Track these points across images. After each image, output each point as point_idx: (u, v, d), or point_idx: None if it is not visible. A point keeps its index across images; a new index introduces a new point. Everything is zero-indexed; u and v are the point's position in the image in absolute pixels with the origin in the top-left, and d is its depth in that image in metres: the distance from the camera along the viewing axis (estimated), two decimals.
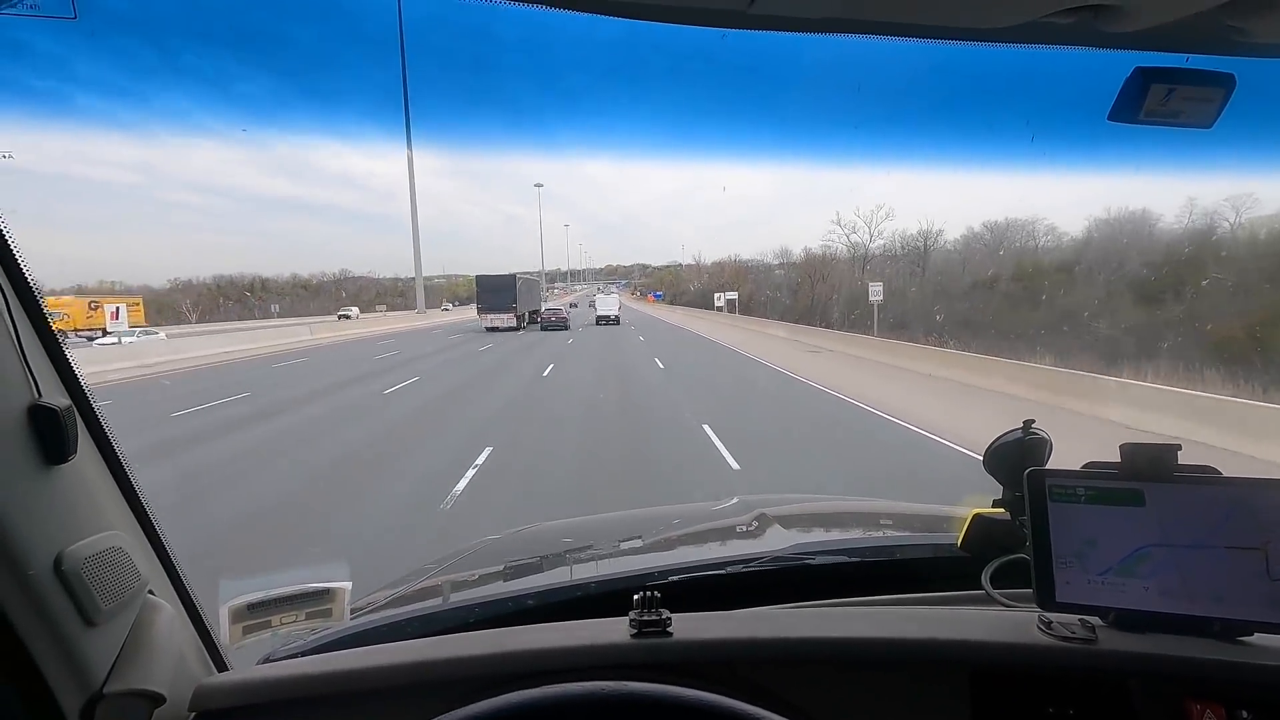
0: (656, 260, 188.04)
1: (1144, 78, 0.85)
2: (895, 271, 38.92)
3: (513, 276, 37.15)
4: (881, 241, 43.91)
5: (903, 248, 41.85)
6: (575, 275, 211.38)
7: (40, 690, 0.69)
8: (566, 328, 36.62)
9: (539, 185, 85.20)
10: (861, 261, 42.78)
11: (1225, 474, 0.90)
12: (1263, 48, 0.86)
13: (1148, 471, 0.91)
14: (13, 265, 0.74)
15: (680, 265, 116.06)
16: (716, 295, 47.34)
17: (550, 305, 45.70)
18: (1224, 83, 0.86)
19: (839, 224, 53.71)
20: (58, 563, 0.70)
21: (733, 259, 71.96)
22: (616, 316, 42.31)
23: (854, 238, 45.37)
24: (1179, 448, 0.91)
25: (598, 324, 40.56)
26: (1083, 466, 0.95)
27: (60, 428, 0.71)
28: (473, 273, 50.98)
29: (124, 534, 0.83)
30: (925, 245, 39.97)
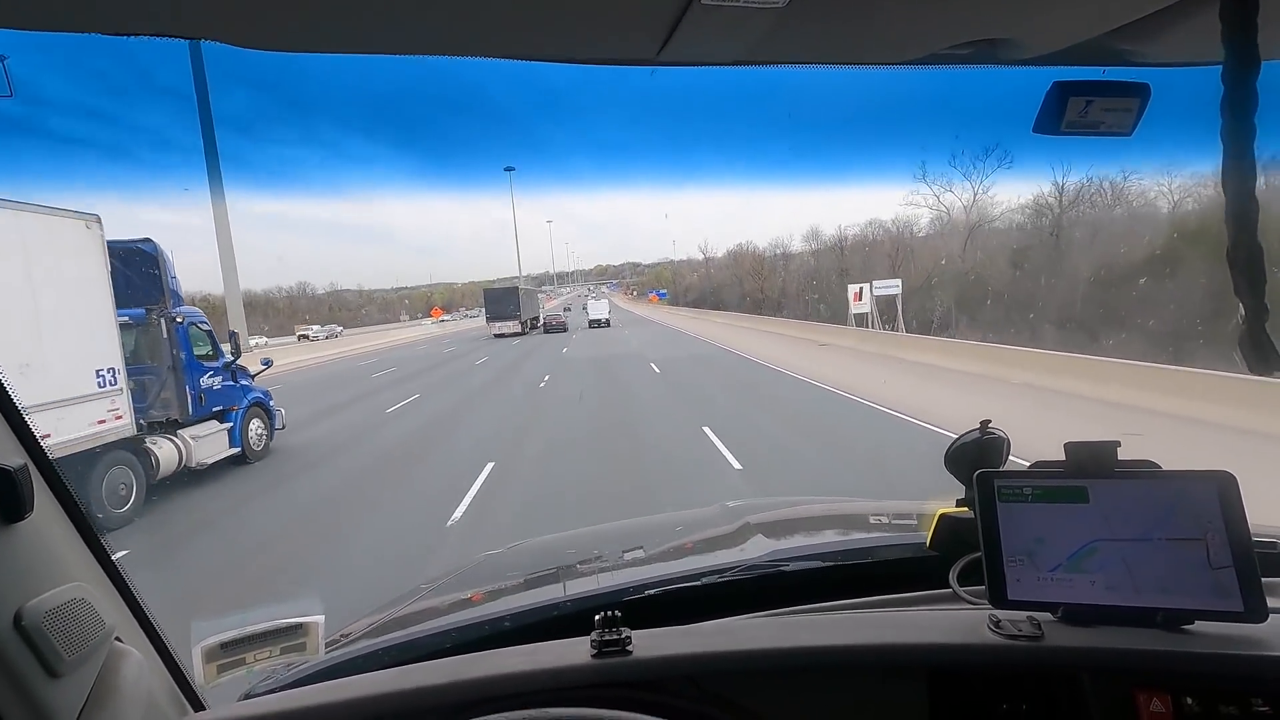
0: (647, 258, 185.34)
1: (1062, 91, 0.88)
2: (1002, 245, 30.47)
3: (515, 288, 41.06)
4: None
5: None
6: (564, 277, 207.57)
7: None
8: (566, 329, 40.53)
9: (510, 169, 79.59)
10: (966, 232, 32.27)
11: (1164, 467, 0.93)
12: (1170, 61, 0.91)
13: (1090, 468, 0.93)
14: None
15: (673, 261, 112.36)
16: (855, 289, 25.73)
17: (549, 311, 50.54)
18: (1139, 92, 0.89)
19: (924, 179, 35.19)
20: (17, 619, 0.71)
21: (745, 247, 60.60)
22: (607, 320, 45.53)
23: (948, 197, 33.66)
24: (1118, 444, 0.93)
25: (590, 327, 43.30)
26: (1031, 465, 0.97)
27: (15, 487, 0.72)
28: (461, 281, 53.81)
29: (88, 584, 0.83)
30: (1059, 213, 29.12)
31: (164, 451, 7.88)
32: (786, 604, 1.17)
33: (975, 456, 1.06)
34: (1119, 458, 0.94)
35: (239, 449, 9.16)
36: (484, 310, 42.22)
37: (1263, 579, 0.86)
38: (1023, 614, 0.92)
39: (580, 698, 0.85)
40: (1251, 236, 0.66)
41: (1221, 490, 0.89)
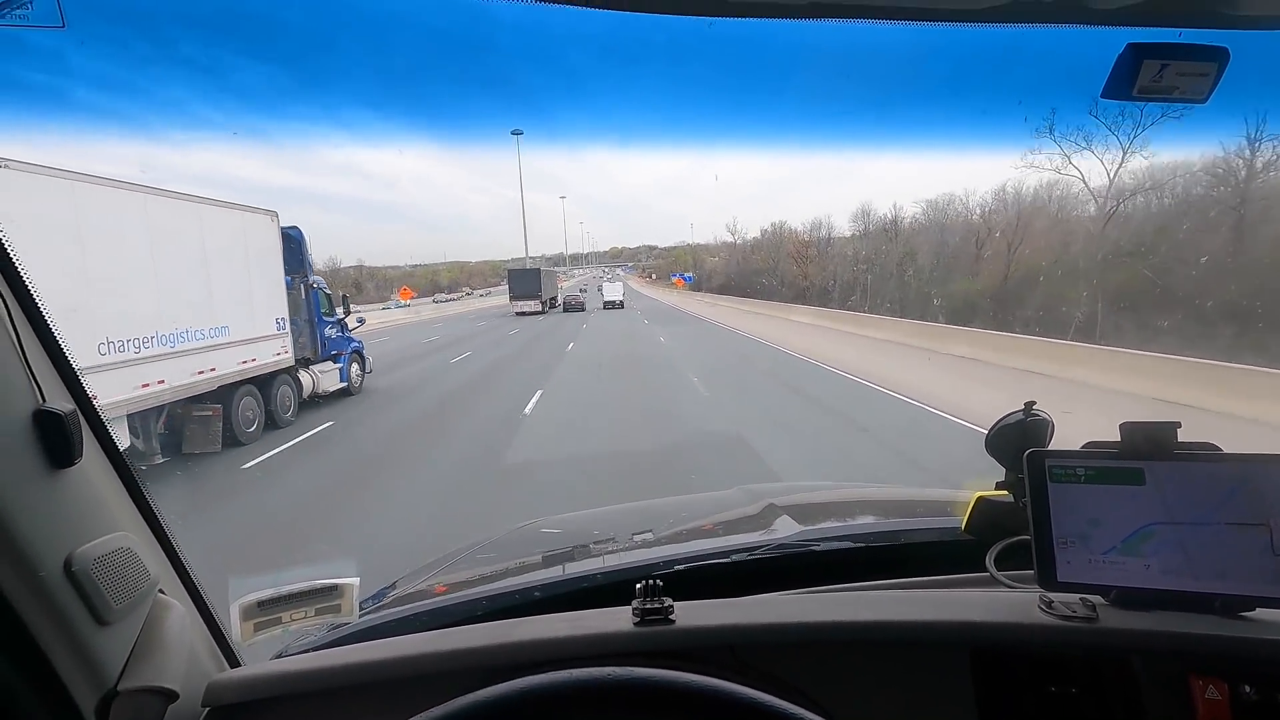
0: (663, 241, 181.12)
1: (1135, 54, 0.84)
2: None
3: (538, 270, 44.31)
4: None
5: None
6: (577, 259, 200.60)
7: (56, 689, 0.71)
8: (584, 309, 45.01)
9: (517, 132, 74.20)
10: (1107, 212, 24.37)
11: (1225, 450, 0.90)
12: (1254, 20, 0.85)
13: (1147, 450, 0.91)
14: (13, 272, 0.76)
15: (693, 245, 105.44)
16: None
17: (566, 292, 53.54)
18: (1217, 57, 0.85)
19: (1051, 133, 27.75)
20: (68, 564, 0.71)
21: (780, 228, 52.58)
22: (621, 301, 48.17)
23: (1077, 160, 24.84)
24: (1179, 425, 0.91)
25: (605, 309, 46.09)
26: (1082, 446, 0.95)
27: (65, 432, 0.72)
28: (476, 259, 55.87)
29: (132, 534, 0.84)
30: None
31: (305, 380, 11.06)
32: (816, 584, 1.17)
33: (1018, 439, 1.04)
34: (1178, 440, 0.91)
35: (346, 384, 12.32)
36: (508, 289, 45.49)
37: None
38: (1074, 596, 0.92)
39: (622, 665, 0.81)
40: None
41: None
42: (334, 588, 1.13)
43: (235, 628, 1.04)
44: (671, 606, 0.93)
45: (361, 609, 1.23)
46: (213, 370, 8.45)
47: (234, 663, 1.00)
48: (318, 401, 11.47)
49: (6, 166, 5.89)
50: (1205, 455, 0.90)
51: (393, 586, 1.60)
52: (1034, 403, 1.08)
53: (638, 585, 0.95)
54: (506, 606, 1.20)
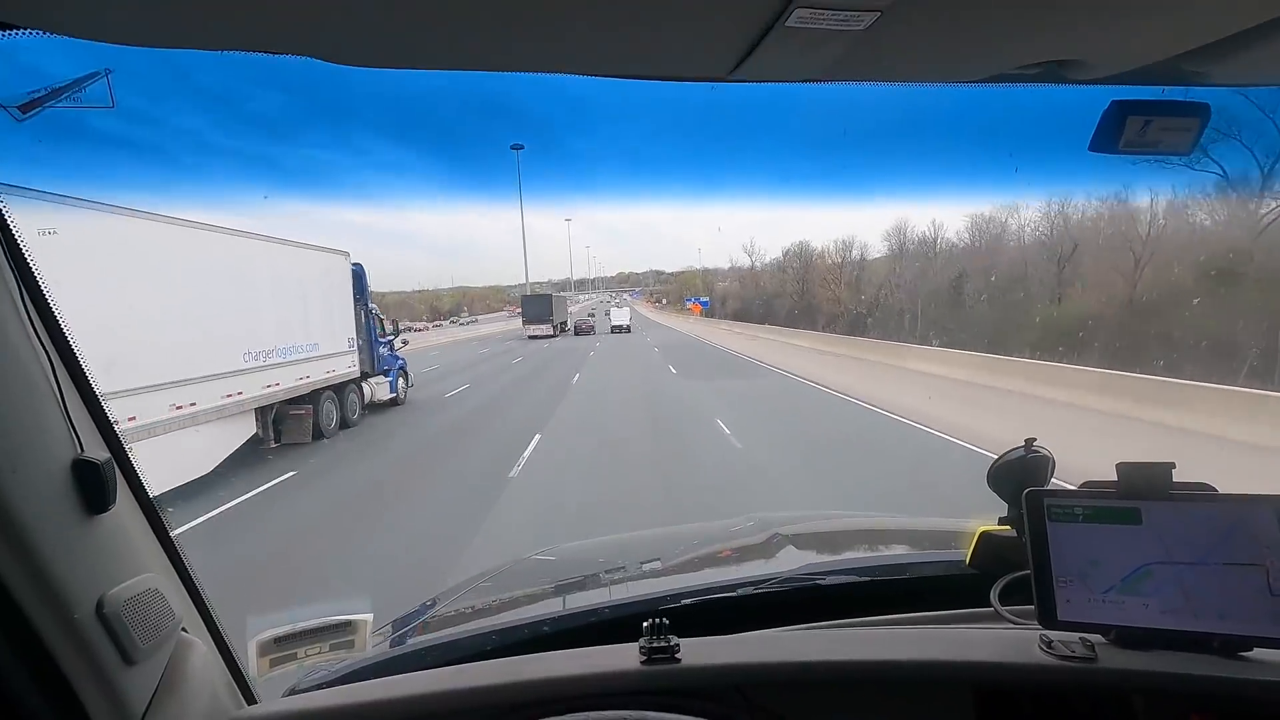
0: (670, 266, 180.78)
1: (1120, 109, 0.88)
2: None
3: (549, 296, 48.10)
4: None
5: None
6: (583, 284, 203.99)
7: None
8: (593, 332, 48.42)
9: (518, 147, 77.60)
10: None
11: (1220, 491, 0.90)
12: (1230, 79, 0.89)
13: (1144, 490, 0.92)
14: (54, 324, 0.80)
15: (705, 269, 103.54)
16: None
17: (576, 317, 56.07)
18: (1199, 112, 0.89)
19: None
20: (100, 605, 0.74)
21: (802, 247, 49.71)
22: (628, 326, 50.13)
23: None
24: (1173, 466, 0.92)
25: (612, 332, 48.34)
26: (1080, 485, 0.96)
27: (101, 480, 0.75)
28: (484, 284, 58.38)
29: (159, 576, 0.87)
30: None
31: (366, 390, 13.35)
32: (821, 617, 1.18)
33: (1019, 475, 1.06)
34: (1173, 480, 0.92)
35: (394, 395, 14.59)
36: (521, 313, 48.28)
37: None
38: (1074, 635, 0.92)
39: (629, 704, 0.86)
40: None
41: None
42: (348, 623, 1.16)
43: (252, 663, 1.08)
44: (677, 645, 0.94)
45: (374, 642, 1.26)
46: (307, 378, 10.77)
47: (250, 698, 1.02)
48: (373, 409, 13.77)
49: (191, 226, 8.29)
50: (1200, 495, 0.91)
51: (405, 619, 1.63)
52: (1034, 439, 1.09)
53: (644, 624, 0.96)
54: (517, 641, 1.22)
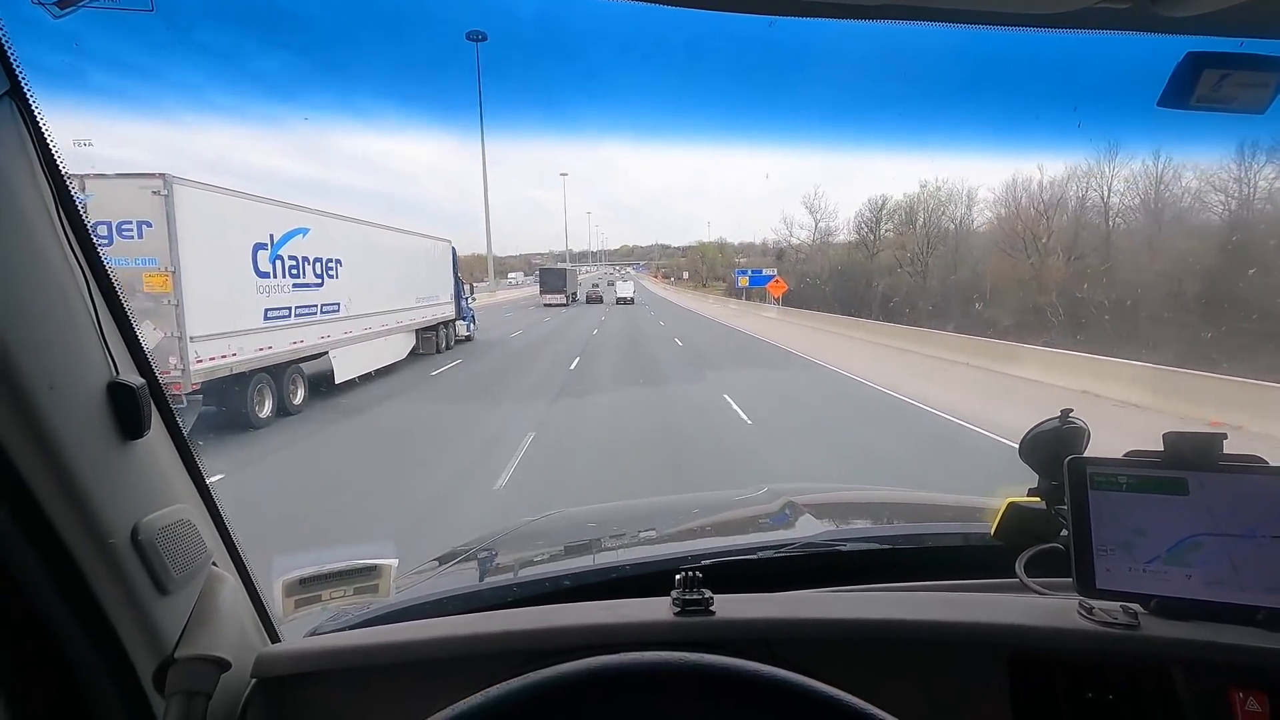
0: (677, 240, 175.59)
1: (1196, 63, 0.83)
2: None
3: (564, 269, 55.53)
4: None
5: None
6: (589, 257, 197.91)
7: (117, 653, 0.74)
8: (602, 301, 54.75)
9: (564, 174, 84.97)
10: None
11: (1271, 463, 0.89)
12: None
13: (1192, 460, 0.90)
14: (91, 250, 0.78)
15: (721, 242, 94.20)
16: None
17: (587, 289, 63.90)
18: (1278, 67, 0.84)
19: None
20: (134, 533, 0.74)
21: (886, 206, 41.53)
22: (632, 298, 55.66)
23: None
24: (1224, 436, 0.91)
25: (618, 303, 54.54)
26: (1124, 455, 0.95)
27: (137, 405, 0.75)
28: (482, 253, 65.41)
29: (191, 508, 0.87)
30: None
31: (455, 329, 20.37)
32: (843, 583, 1.17)
33: (1055, 445, 1.05)
34: (1224, 451, 0.90)
35: (469, 333, 21.58)
36: (538, 284, 55.61)
37: None
38: (1114, 604, 0.92)
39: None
40: None
41: None
42: (373, 568, 1.15)
43: (277, 603, 1.07)
44: (711, 598, 0.94)
45: (397, 588, 1.24)
46: (433, 315, 17.70)
47: (274, 637, 1.02)
48: (459, 343, 20.86)
49: (389, 229, 15.21)
50: (1252, 467, 0.89)
51: (424, 570, 1.63)
52: (1070, 409, 1.08)
53: (677, 576, 0.96)
54: (538, 594, 1.22)
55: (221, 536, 0.98)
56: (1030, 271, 28.98)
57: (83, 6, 0.76)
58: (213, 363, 8.56)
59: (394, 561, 1.18)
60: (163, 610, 0.78)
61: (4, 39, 0.67)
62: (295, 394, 10.65)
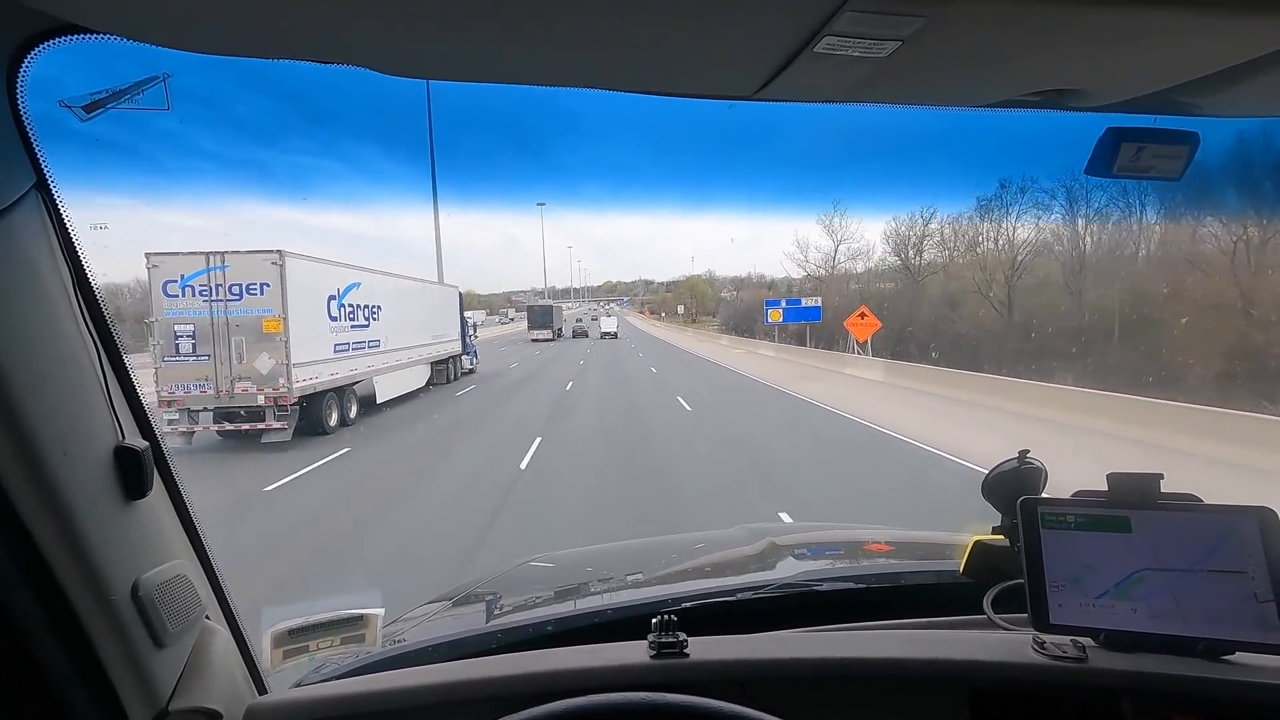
0: (661, 275, 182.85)
1: (1115, 136, 0.92)
2: None
3: (550, 306, 59.65)
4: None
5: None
6: (571, 293, 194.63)
7: (113, 705, 0.76)
8: (587, 335, 58.87)
9: (541, 204, 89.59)
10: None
11: (1205, 501, 0.95)
12: (1218, 111, 0.94)
13: (1134, 499, 0.97)
14: (103, 324, 0.83)
15: (713, 275, 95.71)
16: None
17: (573, 324, 67.60)
18: (1189, 140, 0.94)
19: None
20: (135, 588, 0.77)
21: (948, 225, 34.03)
22: (615, 333, 59.19)
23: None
24: (1161, 477, 0.97)
25: (602, 338, 57.83)
26: (1073, 494, 1.00)
27: (141, 467, 0.79)
28: (476, 292, 67.93)
29: (187, 563, 0.90)
30: None
31: (461, 363, 23.50)
32: (819, 623, 1.21)
33: (1014, 485, 1.10)
34: (1161, 490, 0.96)
35: (472, 366, 24.69)
36: (527, 320, 59.31)
37: None
38: (1065, 638, 0.96)
39: None
40: None
41: (1263, 525, 0.92)
42: (359, 618, 1.18)
43: (266, 654, 1.10)
44: (686, 641, 0.97)
45: (384, 637, 1.26)
46: (444, 350, 20.82)
47: (261, 688, 1.05)
48: (462, 374, 23.96)
49: (413, 280, 18.43)
50: (1187, 505, 0.95)
51: (411, 618, 1.65)
52: (1027, 450, 1.12)
53: (653, 620, 0.99)
54: (521, 640, 1.24)
55: (214, 590, 1.00)
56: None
57: (106, 110, 0.83)
58: (306, 383, 11.62)
59: (380, 611, 1.22)
60: (158, 663, 0.80)
61: (33, 137, 0.75)
62: (351, 409, 13.69)
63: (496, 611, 1.69)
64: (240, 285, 11.00)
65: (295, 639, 1.14)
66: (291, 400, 11.20)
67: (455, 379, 22.09)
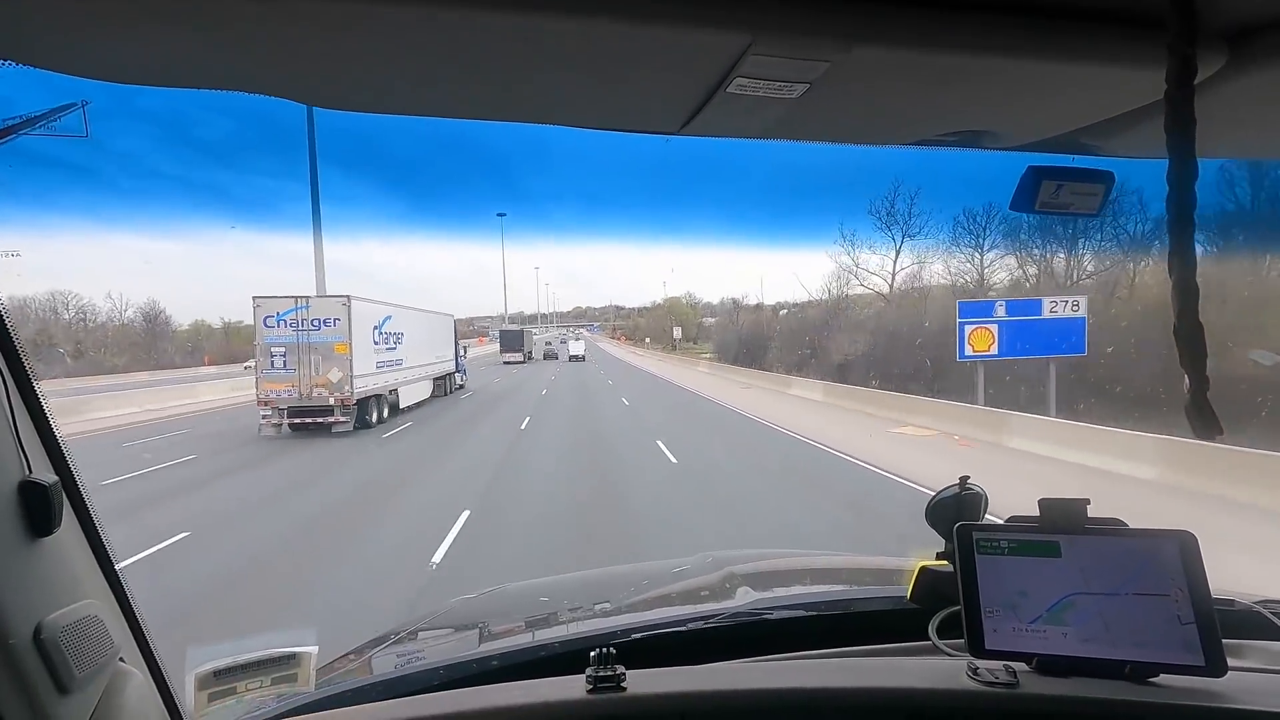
0: (631, 301, 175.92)
1: (1035, 174, 0.96)
2: None
3: (521, 331, 63.68)
4: None
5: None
6: (540, 319, 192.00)
7: None
8: (557, 358, 63.05)
9: (502, 214, 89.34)
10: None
11: (1130, 525, 0.97)
12: (1129, 153, 1.01)
13: (1062, 524, 0.98)
14: (10, 347, 0.79)
15: (695, 298, 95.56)
16: None
17: (544, 348, 72.37)
18: (1105, 179, 0.97)
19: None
20: (37, 632, 0.72)
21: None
22: (583, 355, 60.63)
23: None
24: (1088, 502, 0.98)
25: (570, 360, 60.53)
26: (1007, 520, 1.02)
27: (48, 503, 0.75)
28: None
29: (99, 603, 0.85)
30: None
31: (455, 380, 28.16)
32: (769, 652, 1.21)
33: (954, 511, 1.11)
34: (1088, 515, 0.98)
35: (463, 383, 29.32)
36: (499, 344, 63.45)
37: (1222, 638, 0.90)
38: (999, 663, 0.97)
39: None
40: (1193, 315, 0.68)
41: (1183, 548, 0.94)
42: (291, 656, 1.12)
43: (189, 697, 1.04)
44: (624, 674, 0.95)
45: (320, 676, 1.22)
46: (443, 369, 25.44)
47: None
48: (455, 389, 28.58)
49: (421, 311, 23.20)
50: (1112, 530, 0.96)
51: (349, 657, 1.61)
52: (969, 477, 1.14)
53: (592, 653, 0.97)
54: (464, 676, 1.21)
55: (132, 630, 0.95)
56: None
57: (17, 136, 0.78)
58: (361, 390, 16.36)
59: (313, 649, 1.16)
60: (63, 710, 0.75)
61: None
62: (385, 410, 18.35)
63: (444, 646, 1.70)
64: (319, 319, 15.82)
65: (221, 680, 1.09)
66: (353, 401, 15.95)
67: (451, 392, 26.80)
